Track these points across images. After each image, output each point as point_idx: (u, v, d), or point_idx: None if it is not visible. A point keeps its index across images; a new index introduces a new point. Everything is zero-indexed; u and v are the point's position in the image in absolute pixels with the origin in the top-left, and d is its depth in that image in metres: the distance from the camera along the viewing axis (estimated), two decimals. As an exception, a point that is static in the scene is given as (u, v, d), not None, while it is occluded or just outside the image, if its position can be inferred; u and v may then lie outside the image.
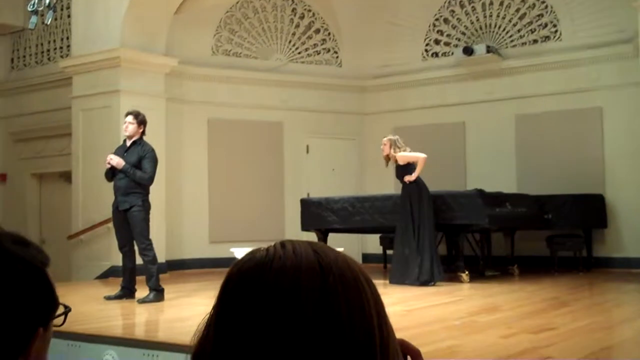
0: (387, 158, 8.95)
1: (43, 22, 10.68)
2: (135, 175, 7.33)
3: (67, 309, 1.22)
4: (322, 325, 0.79)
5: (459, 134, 11.83)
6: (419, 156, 8.79)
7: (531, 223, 9.86)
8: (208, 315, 0.86)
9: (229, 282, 0.85)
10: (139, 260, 7.47)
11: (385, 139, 8.99)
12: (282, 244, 0.87)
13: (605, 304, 7.33)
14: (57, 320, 1.21)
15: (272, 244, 0.87)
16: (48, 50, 12.71)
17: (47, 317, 1.16)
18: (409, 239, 8.61)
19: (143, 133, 7.57)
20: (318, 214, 9.82)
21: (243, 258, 0.87)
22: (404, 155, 8.83)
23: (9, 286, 1.09)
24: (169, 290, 7.57)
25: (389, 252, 11.14)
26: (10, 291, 1.09)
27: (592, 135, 10.75)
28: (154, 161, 7.46)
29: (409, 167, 8.81)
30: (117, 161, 7.37)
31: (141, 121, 7.54)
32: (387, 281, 8.83)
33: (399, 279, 8.62)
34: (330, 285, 0.82)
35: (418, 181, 8.74)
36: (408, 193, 8.75)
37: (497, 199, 9.15)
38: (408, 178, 8.71)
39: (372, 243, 11.86)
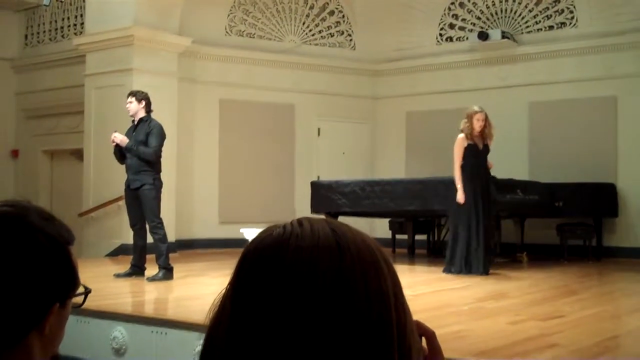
0: (473, 132, 8.29)
1: (57, -1, 10.70)
2: (139, 151, 7.36)
3: (88, 290, 1.23)
4: (339, 305, 0.79)
5: (471, 120, 11.75)
6: None
7: (542, 211, 9.82)
8: (224, 291, 0.85)
9: (246, 258, 0.84)
10: (149, 239, 7.51)
11: (483, 113, 8.32)
12: (300, 221, 0.85)
13: (614, 293, 7.32)
14: (78, 300, 1.22)
15: (290, 221, 0.86)
16: (62, 28, 12.72)
17: (65, 294, 1.16)
18: (474, 226, 8.07)
19: (148, 109, 7.57)
20: (328, 197, 9.81)
21: (260, 234, 0.86)
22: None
23: (29, 258, 1.10)
24: (178, 269, 7.62)
25: (398, 236, 11.15)
26: (30, 263, 1.10)
27: (605, 124, 10.67)
28: (159, 136, 7.47)
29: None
30: (120, 138, 7.41)
31: (141, 98, 7.55)
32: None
33: (466, 269, 8.06)
34: (347, 264, 0.81)
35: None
36: (487, 179, 8.24)
37: (509, 185, 9.10)
38: (492, 165, 8.33)
39: (381, 227, 11.85)
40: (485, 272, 7.97)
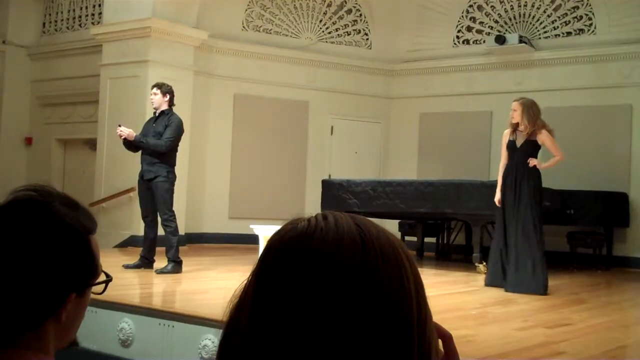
0: (517, 126, 7.29)
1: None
2: (149, 144, 7.35)
3: (109, 278, 1.21)
4: (361, 300, 0.79)
5: (485, 123, 11.73)
6: (559, 153, 7.36)
7: (552, 218, 9.77)
8: (245, 282, 0.85)
9: (270, 249, 0.85)
10: (160, 231, 7.52)
11: (516, 102, 7.35)
12: (324, 215, 0.86)
13: (622, 303, 7.29)
14: (98, 289, 1.20)
15: (314, 214, 0.87)
16: (80, 17, 12.76)
17: (83, 283, 1.15)
18: (510, 234, 7.24)
19: (171, 103, 7.58)
20: (339, 196, 9.80)
21: (284, 227, 0.86)
22: (551, 140, 7.28)
23: (46, 245, 1.09)
24: (187, 263, 7.63)
25: (407, 238, 11.12)
26: (47, 251, 1.09)
27: (620, 133, 10.61)
28: (176, 129, 7.46)
29: (537, 150, 7.29)
30: (127, 132, 7.39)
31: (166, 91, 7.55)
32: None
33: (515, 286, 7.05)
34: (371, 259, 0.81)
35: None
36: (521, 180, 7.18)
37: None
38: (538, 164, 7.18)
39: (390, 228, 11.77)
40: (510, 288, 7.01)
